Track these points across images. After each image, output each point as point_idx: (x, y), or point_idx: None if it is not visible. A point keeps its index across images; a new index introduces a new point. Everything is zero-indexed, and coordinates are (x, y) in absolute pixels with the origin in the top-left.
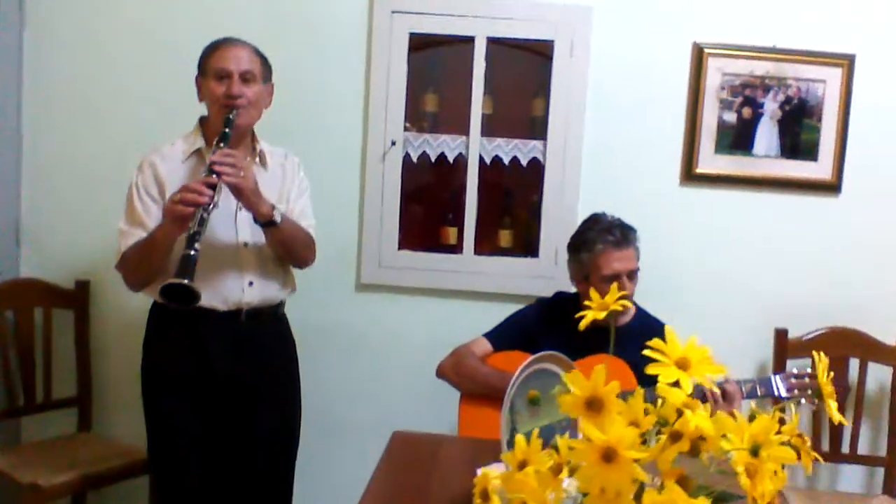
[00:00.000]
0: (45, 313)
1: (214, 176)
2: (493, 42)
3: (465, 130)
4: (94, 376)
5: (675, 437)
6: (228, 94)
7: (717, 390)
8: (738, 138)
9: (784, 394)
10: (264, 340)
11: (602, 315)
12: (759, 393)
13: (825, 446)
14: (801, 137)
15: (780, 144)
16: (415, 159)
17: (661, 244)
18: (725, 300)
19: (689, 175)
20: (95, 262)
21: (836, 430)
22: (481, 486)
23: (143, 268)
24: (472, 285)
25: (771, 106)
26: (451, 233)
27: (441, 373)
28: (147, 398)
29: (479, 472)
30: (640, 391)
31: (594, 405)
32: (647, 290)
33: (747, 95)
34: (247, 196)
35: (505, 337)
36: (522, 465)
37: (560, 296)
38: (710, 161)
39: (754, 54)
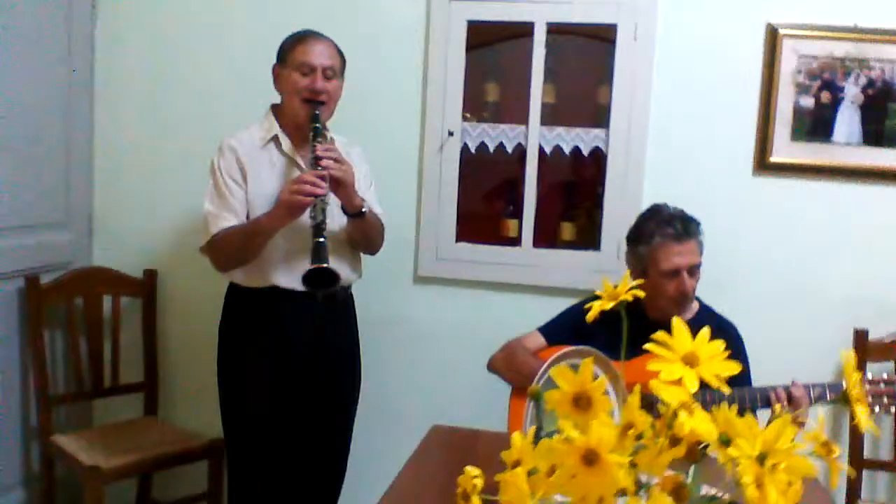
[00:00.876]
0: (114, 301)
1: (322, 170)
2: (553, 28)
3: (525, 120)
4: (161, 363)
5: (675, 441)
6: (312, 88)
7: (782, 394)
8: (816, 125)
9: None
10: (335, 320)
11: (609, 305)
12: (828, 398)
13: None
14: (886, 123)
15: (863, 131)
16: (473, 150)
17: (732, 237)
18: (801, 298)
19: (763, 164)
20: (163, 252)
21: None
22: (462, 486)
23: (241, 252)
24: (531, 279)
25: (852, 90)
26: (512, 225)
27: (492, 366)
28: (224, 376)
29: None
30: (636, 388)
31: (581, 403)
32: (717, 286)
33: (826, 79)
34: (346, 189)
35: (558, 331)
36: (517, 466)
37: None
38: (786, 149)
39: (833, 34)
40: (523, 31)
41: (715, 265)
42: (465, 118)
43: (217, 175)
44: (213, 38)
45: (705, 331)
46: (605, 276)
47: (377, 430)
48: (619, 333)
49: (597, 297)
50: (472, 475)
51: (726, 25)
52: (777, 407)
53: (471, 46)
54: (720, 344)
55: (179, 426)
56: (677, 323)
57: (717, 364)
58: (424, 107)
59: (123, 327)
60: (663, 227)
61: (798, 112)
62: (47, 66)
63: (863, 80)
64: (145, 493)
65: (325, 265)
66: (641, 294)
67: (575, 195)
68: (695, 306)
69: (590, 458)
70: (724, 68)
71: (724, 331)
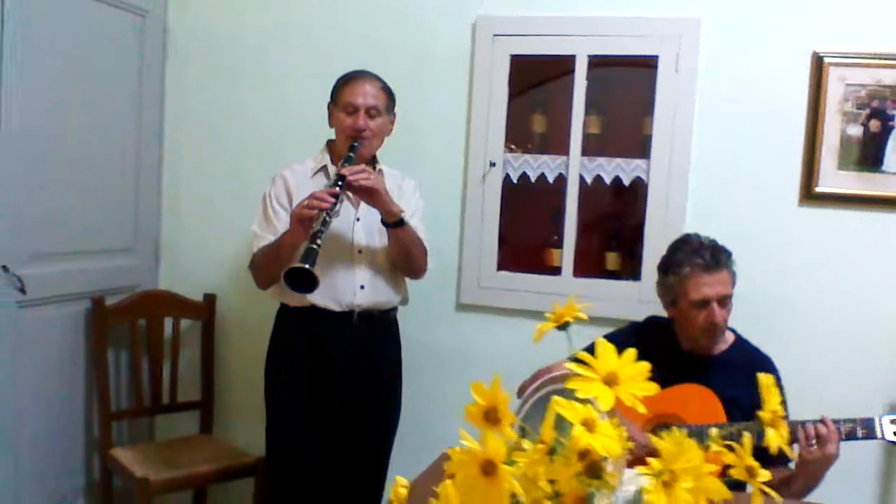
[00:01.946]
0: (175, 323)
1: (337, 187)
2: (596, 60)
3: (567, 150)
4: (217, 382)
5: (584, 456)
6: (355, 127)
7: (811, 430)
8: (865, 153)
9: (891, 437)
10: (375, 342)
11: (548, 327)
12: (859, 435)
13: None
14: None
15: None
16: (515, 180)
17: (777, 269)
18: (849, 331)
19: (809, 194)
20: (223, 277)
21: None
22: (393, 495)
23: (270, 267)
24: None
25: None
26: (556, 254)
27: (521, 392)
28: (268, 391)
29: None
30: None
31: (490, 417)
32: (763, 319)
33: (875, 107)
34: (380, 196)
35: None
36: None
37: (652, 320)
38: (833, 179)
39: (882, 62)
40: (567, 64)
41: (761, 298)
42: (510, 149)
43: (266, 200)
44: (273, 77)
45: (631, 352)
46: (646, 306)
47: (416, 457)
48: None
49: (635, 327)
50: (401, 485)
51: (770, 55)
52: (803, 444)
53: (518, 80)
54: (645, 366)
55: (232, 444)
56: (600, 342)
57: (636, 385)
58: (468, 138)
59: (183, 348)
60: (692, 258)
61: (845, 141)
62: (119, 97)
63: None
64: None
65: (306, 266)
66: (584, 317)
67: (620, 226)
68: (729, 338)
69: (487, 469)
70: (768, 98)
71: (760, 364)
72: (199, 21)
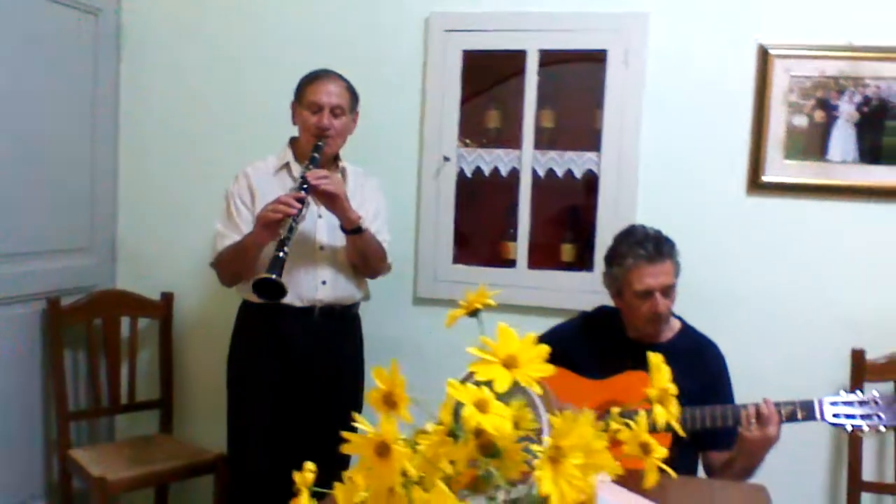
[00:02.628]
0: (132, 322)
1: (303, 191)
2: (547, 55)
3: (520, 144)
4: (176, 381)
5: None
6: (319, 125)
7: (752, 412)
8: (810, 144)
9: (830, 419)
10: (337, 337)
11: (457, 315)
12: (799, 416)
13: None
14: (884, 141)
15: (858, 149)
16: (469, 174)
17: (725, 258)
18: (797, 319)
19: (756, 184)
20: (182, 275)
21: None
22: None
23: (234, 266)
24: (526, 300)
25: (847, 108)
26: (512, 247)
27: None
28: (231, 386)
29: None
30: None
31: (389, 400)
32: (710, 307)
33: (820, 98)
34: (340, 202)
35: None
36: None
37: (601, 310)
38: (780, 168)
39: (826, 54)
40: (520, 59)
41: (709, 286)
42: (465, 144)
43: (229, 198)
44: (232, 74)
45: (532, 335)
46: (599, 296)
47: None
48: (599, 351)
49: (585, 317)
50: (309, 469)
51: (717, 47)
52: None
53: (473, 75)
54: (543, 349)
55: (192, 442)
56: (501, 328)
57: (535, 367)
58: (422, 133)
59: (141, 347)
60: (636, 249)
61: (791, 131)
62: (73, 95)
63: (858, 98)
64: None
65: (273, 276)
66: (493, 304)
67: (575, 218)
68: (676, 325)
69: (381, 451)
70: (715, 90)
71: (706, 350)
72: (153, 18)
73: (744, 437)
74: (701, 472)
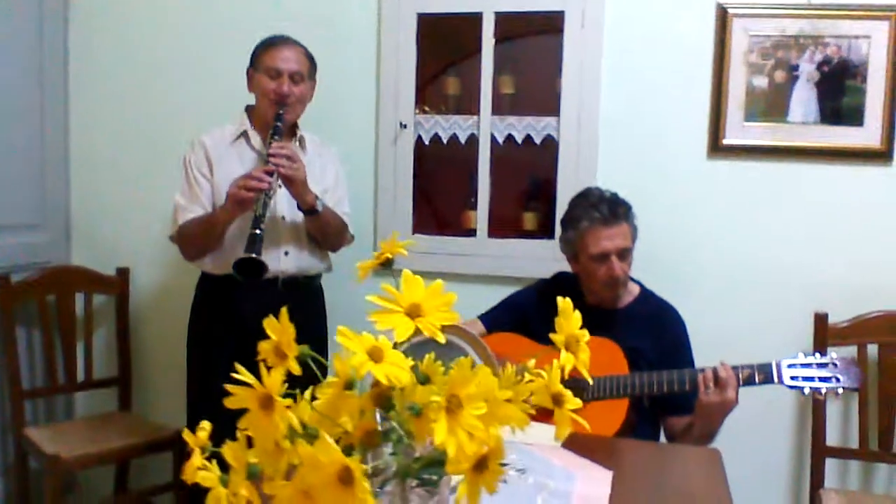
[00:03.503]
0: (87, 298)
1: (272, 166)
2: (503, 18)
3: (478, 110)
4: (134, 358)
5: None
6: (279, 91)
7: (709, 375)
8: (770, 105)
9: (788, 382)
10: (301, 309)
11: (369, 267)
12: (757, 380)
13: (873, 445)
14: (844, 101)
15: (820, 109)
16: (427, 142)
17: (686, 222)
18: (759, 282)
19: (717, 147)
20: (137, 250)
21: (888, 428)
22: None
23: (200, 241)
24: (486, 269)
25: (807, 67)
26: (473, 216)
27: None
28: (191, 360)
29: None
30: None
31: (279, 352)
32: (672, 271)
33: (779, 57)
34: (297, 187)
35: (498, 318)
36: None
37: (559, 276)
38: (740, 131)
39: (785, 12)
40: (476, 22)
41: (670, 250)
42: (424, 111)
43: (186, 169)
44: (184, 41)
45: (439, 283)
46: (560, 264)
47: None
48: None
49: (542, 283)
50: (202, 427)
51: (675, 8)
52: (701, 388)
53: (427, 39)
54: (450, 297)
55: (151, 419)
56: (406, 275)
57: (440, 315)
58: (378, 100)
59: (97, 324)
60: (590, 212)
61: (751, 92)
62: (20, 67)
63: (818, 58)
64: (122, 483)
65: (254, 255)
66: (404, 254)
67: (536, 186)
68: (635, 289)
69: (265, 404)
70: (674, 51)
71: (665, 314)
72: None
73: (702, 401)
74: (664, 439)
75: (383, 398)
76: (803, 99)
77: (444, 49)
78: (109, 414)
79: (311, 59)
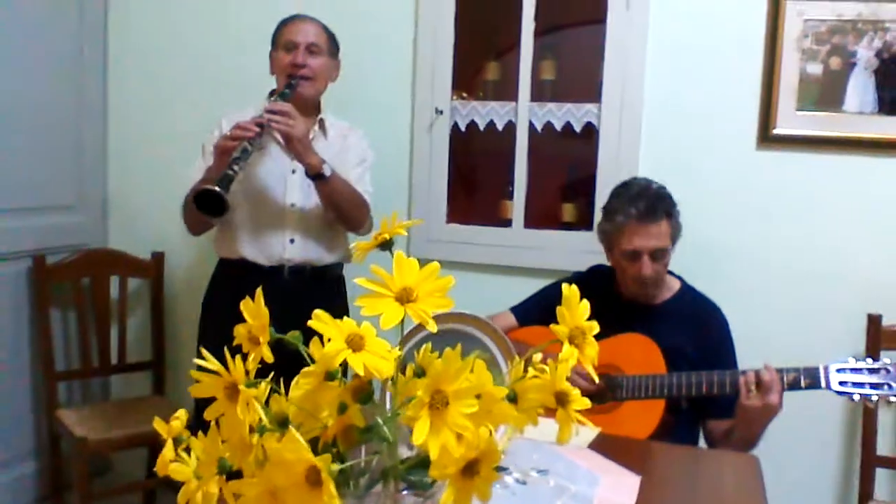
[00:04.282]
0: (122, 282)
1: (263, 117)
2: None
3: (516, 96)
4: (168, 342)
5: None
6: (294, 62)
7: (751, 378)
8: (825, 93)
9: (836, 388)
10: (309, 299)
11: (367, 248)
12: (803, 384)
13: None
14: None
15: (878, 99)
16: (463, 128)
17: (733, 215)
18: (809, 281)
19: (767, 137)
20: (173, 234)
21: None
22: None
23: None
24: (522, 261)
25: (865, 54)
26: (510, 206)
27: None
28: (200, 344)
29: None
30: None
31: (252, 338)
32: (716, 268)
33: (835, 43)
34: (294, 143)
35: (531, 311)
36: None
37: (596, 269)
38: (792, 120)
39: None
40: (515, 4)
41: (715, 245)
42: (461, 97)
43: (204, 149)
44: (223, 25)
45: (435, 265)
46: (598, 257)
47: None
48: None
49: (578, 276)
50: (176, 417)
51: None
52: (743, 392)
53: (466, 23)
54: (447, 281)
55: (184, 404)
56: (399, 257)
57: (433, 301)
58: (414, 85)
59: (131, 307)
60: (627, 206)
61: (805, 80)
62: (59, 49)
63: (877, 44)
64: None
65: (215, 189)
66: (403, 233)
67: (576, 175)
68: (675, 285)
69: (232, 393)
70: (723, 35)
71: (707, 312)
72: None
73: (743, 405)
74: (704, 443)
75: (361, 391)
76: (860, 87)
77: (483, 33)
78: (143, 398)
79: (330, 36)
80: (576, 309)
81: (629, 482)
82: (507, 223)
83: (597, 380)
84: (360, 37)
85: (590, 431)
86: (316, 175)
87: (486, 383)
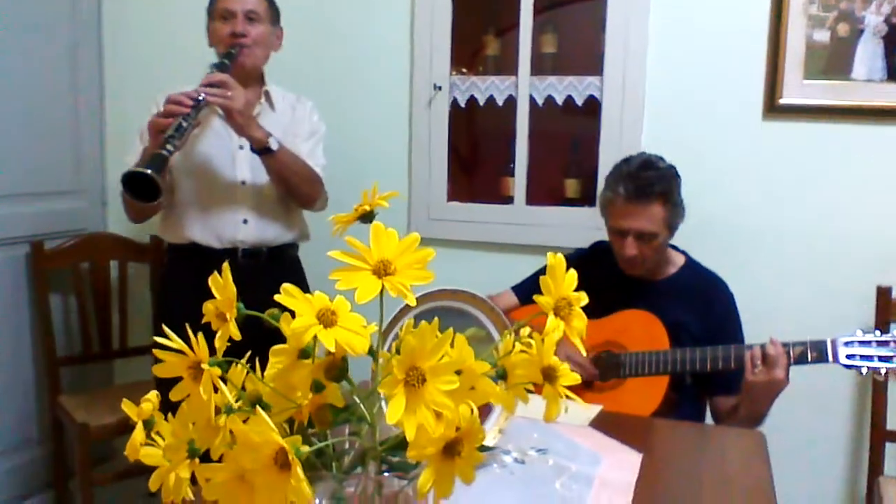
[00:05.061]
0: (121, 266)
1: (197, 90)
2: None
3: (515, 70)
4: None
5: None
6: (233, 31)
7: (757, 353)
8: (832, 61)
9: (844, 361)
10: (266, 283)
11: (347, 221)
12: (810, 358)
13: None
14: None
15: (886, 66)
16: (462, 104)
17: (739, 188)
18: (816, 253)
19: (773, 107)
20: None
21: None
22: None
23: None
24: (524, 238)
25: (873, 20)
26: (511, 183)
27: None
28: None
29: None
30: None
31: (220, 315)
32: (722, 241)
33: (843, 9)
34: (234, 116)
35: (532, 289)
36: None
37: (598, 246)
38: (799, 89)
39: None
40: None
41: (720, 218)
42: (461, 72)
43: (141, 132)
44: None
45: (414, 235)
46: (601, 233)
47: None
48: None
49: (579, 253)
50: (147, 399)
51: None
52: (748, 367)
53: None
54: (427, 253)
55: None
56: (376, 227)
57: (412, 274)
58: (412, 60)
59: (132, 292)
60: (618, 183)
61: (811, 48)
62: (54, 34)
63: (886, 9)
64: None
65: (146, 171)
66: (385, 206)
67: (579, 151)
68: (679, 260)
69: (195, 373)
70: (727, 3)
71: (711, 287)
72: None
73: (748, 380)
74: (710, 420)
75: (334, 369)
76: (868, 54)
77: (483, 7)
78: (145, 382)
79: (270, 2)
80: (561, 279)
81: (631, 460)
82: (508, 200)
83: (584, 353)
84: (355, 13)
85: (591, 409)
86: (262, 149)
87: (468, 358)
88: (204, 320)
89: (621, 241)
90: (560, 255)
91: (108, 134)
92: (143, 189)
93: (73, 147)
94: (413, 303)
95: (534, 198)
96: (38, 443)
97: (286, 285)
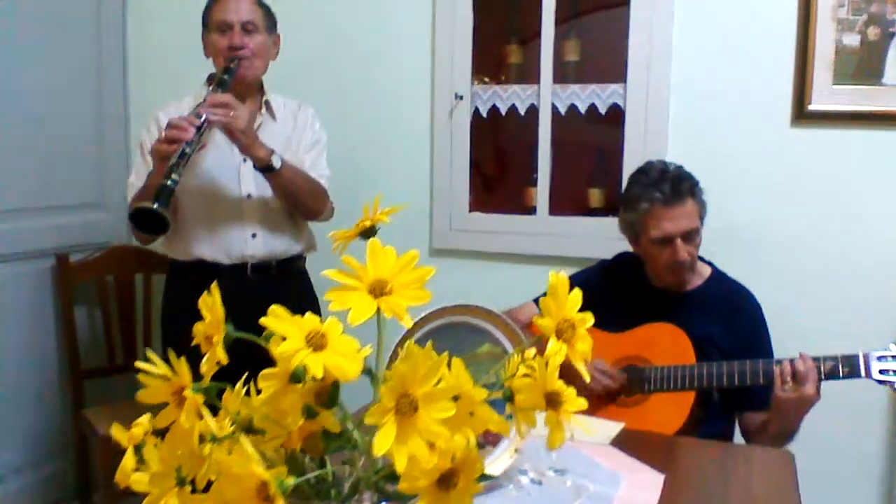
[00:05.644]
0: (146, 279)
1: (200, 113)
2: None
3: (538, 79)
4: None
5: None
6: (231, 45)
7: (787, 368)
8: (863, 65)
9: (877, 377)
10: (276, 296)
11: (348, 238)
12: (842, 373)
13: None
14: None
15: None
16: (484, 114)
17: (767, 197)
18: (847, 264)
19: (802, 113)
20: None
21: None
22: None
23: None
24: (547, 249)
25: None
26: (533, 193)
27: None
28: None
29: None
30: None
31: (210, 340)
32: (749, 252)
33: (873, 12)
34: (237, 136)
35: None
36: None
37: (622, 257)
38: (828, 95)
39: None
40: None
41: (748, 228)
42: (483, 81)
43: (140, 148)
44: None
45: (413, 253)
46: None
47: None
48: (623, 301)
49: (604, 265)
50: (138, 423)
51: None
52: (778, 383)
53: (485, 4)
54: (425, 271)
55: None
56: (373, 245)
57: (409, 294)
58: (433, 70)
59: (156, 305)
60: (650, 191)
61: (841, 52)
62: (78, 47)
63: None
64: None
65: (153, 207)
66: (386, 221)
67: (604, 160)
68: (705, 271)
69: (179, 398)
70: (753, 8)
71: (739, 299)
72: None
73: (777, 396)
74: (739, 437)
75: (324, 394)
76: None
77: (504, 16)
78: None
79: (266, 10)
80: (563, 299)
81: (652, 480)
82: (531, 210)
83: (587, 379)
84: (376, 22)
85: (613, 427)
86: (265, 167)
87: (465, 384)
88: (193, 342)
89: (670, 249)
90: (562, 274)
91: (133, 147)
92: (151, 221)
93: (97, 160)
94: (409, 325)
95: (557, 208)
96: (62, 455)
97: (274, 307)
